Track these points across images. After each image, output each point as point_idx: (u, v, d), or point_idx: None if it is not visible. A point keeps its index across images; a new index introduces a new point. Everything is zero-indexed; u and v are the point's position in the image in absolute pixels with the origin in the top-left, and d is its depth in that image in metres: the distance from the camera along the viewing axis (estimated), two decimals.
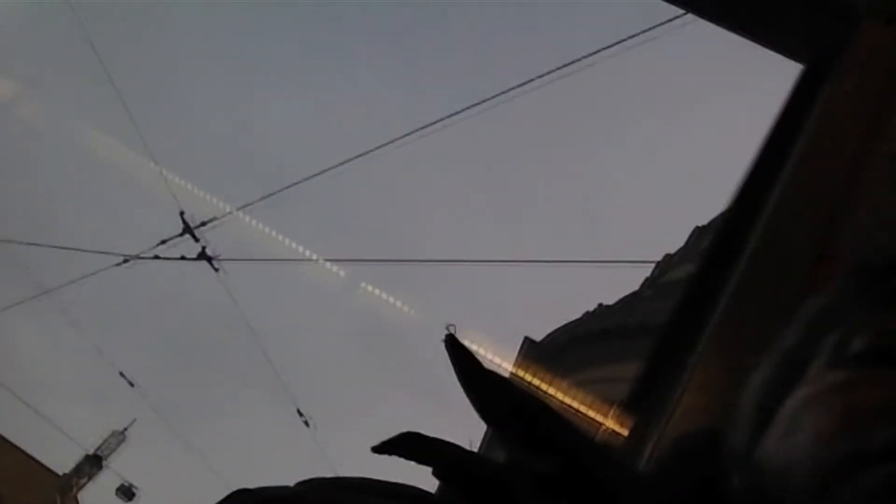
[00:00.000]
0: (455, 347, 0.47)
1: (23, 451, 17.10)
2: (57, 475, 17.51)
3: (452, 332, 0.46)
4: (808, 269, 1.09)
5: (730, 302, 1.12)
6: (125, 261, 9.64)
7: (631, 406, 1.19)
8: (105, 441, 17.87)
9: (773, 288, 1.10)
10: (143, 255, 9.58)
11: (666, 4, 1.54)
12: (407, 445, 0.44)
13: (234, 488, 0.43)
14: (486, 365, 0.47)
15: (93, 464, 17.69)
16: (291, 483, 0.48)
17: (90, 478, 17.71)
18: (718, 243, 1.30)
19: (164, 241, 9.44)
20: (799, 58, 1.44)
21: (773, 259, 1.14)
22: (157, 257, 9.54)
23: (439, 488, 0.45)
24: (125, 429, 18.11)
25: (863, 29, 1.33)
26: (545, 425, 0.46)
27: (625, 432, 1.15)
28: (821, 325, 0.51)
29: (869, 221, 1.13)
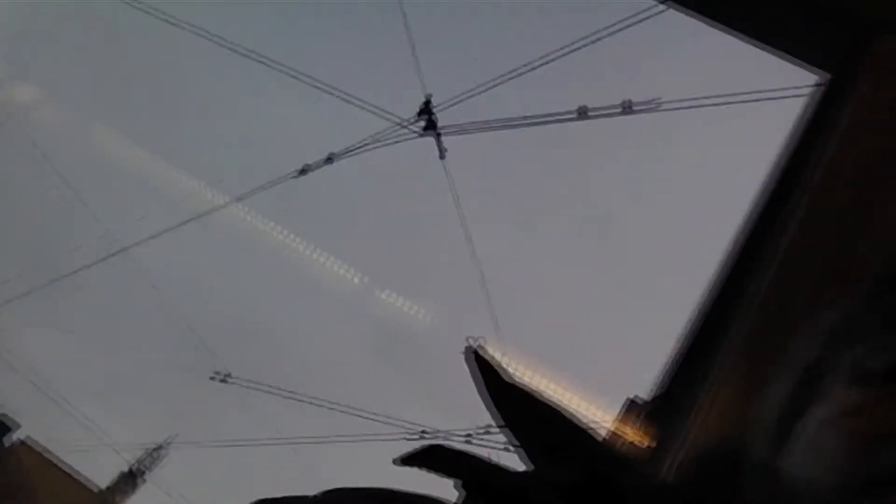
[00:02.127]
0: (478, 358, 0.47)
1: (62, 466, 17.27)
2: (95, 491, 17.64)
3: (473, 344, 0.47)
4: (831, 281, 1.09)
5: (752, 314, 1.12)
6: None
7: (653, 416, 1.18)
8: (145, 456, 17.94)
9: (795, 300, 1.09)
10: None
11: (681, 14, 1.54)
12: (432, 458, 0.45)
13: None
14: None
15: (130, 480, 17.76)
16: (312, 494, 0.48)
17: (129, 494, 17.79)
18: (741, 256, 1.30)
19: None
20: (819, 70, 1.44)
21: (795, 270, 1.14)
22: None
23: (461, 499, 0.45)
24: (162, 444, 18.18)
25: (881, 41, 1.32)
26: (568, 436, 0.46)
27: (646, 443, 1.15)
28: (837, 339, 0.52)
29: (890, 233, 1.12)
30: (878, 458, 0.42)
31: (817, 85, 1.43)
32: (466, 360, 0.48)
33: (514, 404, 0.47)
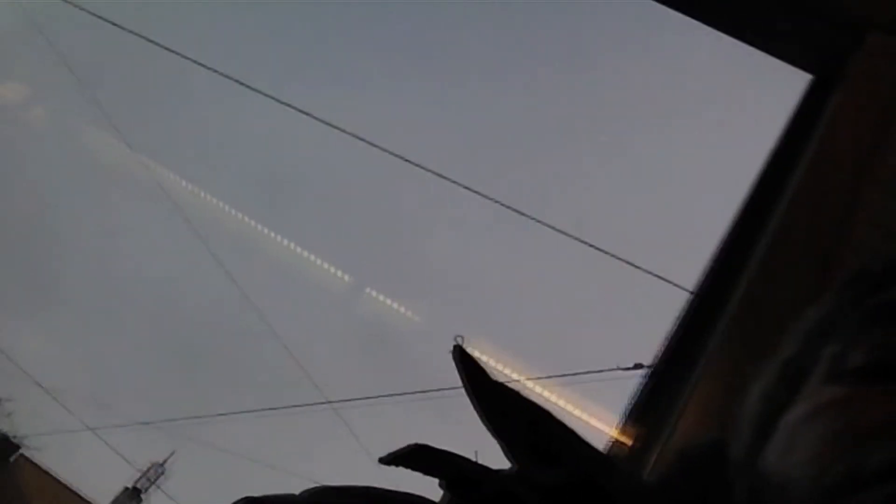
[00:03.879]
0: (463, 357, 0.47)
1: (63, 483, 17.24)
2: None
3: (460, 342, 0.47)
4: (814, 280, 1.09)
5: (735, 311, 1.13)
6: None
7: (635, 415, 1.19)
8: (144, 473, 17.88)
9: (778, 298, 1.10)
10: None
11: (670, 11, 1.54)
12: (416, 458, 0.44)
13: None
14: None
15: (132, 497, 17.73)
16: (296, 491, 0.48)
17: None
18: (725, 252, 1.30)
19: None
20: (805, 68, 1.45)
21: (778, 270, 1.15)
22: None
23: (444, 498, 0.45)
24: (164, 461, 18.10)
25: (869, 40, 1.33)
26: (552, 436, 0.46)
27: (629, 442, 1.15)
28: (819, 335, 0.52)
29: (874, 232, 1.13)
30: (854, 457, 0.42)
31: (810, 83, 1.43)
32: (453, 358, 0.48)
33: (496, 403, 0.47)
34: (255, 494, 0.47)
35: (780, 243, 1.17)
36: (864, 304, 0.50)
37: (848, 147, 1.23)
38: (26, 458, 17.20)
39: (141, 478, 17.89)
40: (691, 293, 1.27)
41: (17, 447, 17.07)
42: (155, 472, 18.00)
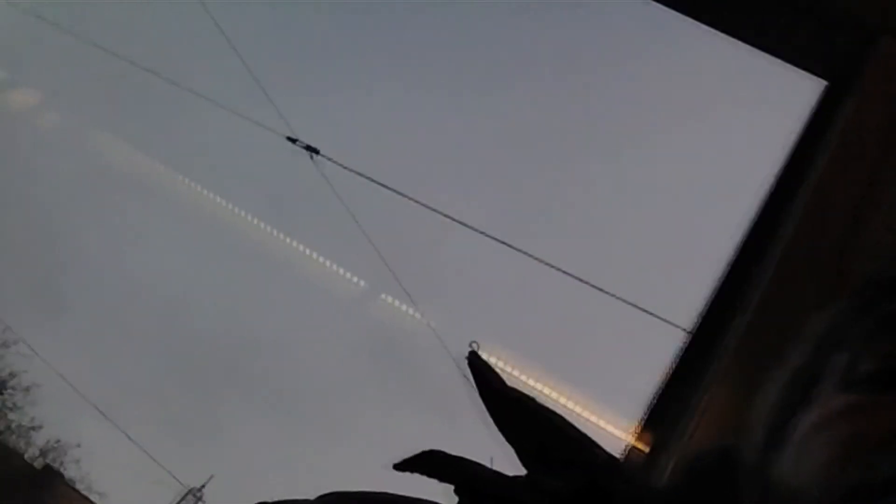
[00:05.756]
0: (477, 364, 0.47)
1: None
2: None
3: (475, 348, 0.47)
4: (828, 286, 1.09)
5: (749, 319, 1.12)
6: None
7: (648, 423, 1.19)
8: (182, 499, 17.81)
9: (792, 305, 1.10)
10: None
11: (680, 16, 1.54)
12: (429, 463, 0.45)
13: None
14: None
15: None
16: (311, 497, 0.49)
17: None
18: (738, 259, 1.30)
19: None
20: (818, 74, 1.44)
21: (792, 276, 1.14)
22: None
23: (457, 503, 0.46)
24: (202, 486, 18.04)
25: (883, 45, 1.32)
26: (562, 442, 0.47)
27: (642, 449, 1.15)
28: (831, 342, 0.52)
29: (889, 239, 1.12)
30: (865, 465, 0.42)
31: (824, 89, 1.43)
32: (468, 364, 0.48)
33: (508, 409, 0.48)
34: (271, 499, 0.47)
35: (794, 249, 1.17)
36: (876, 311, 0.50)
37: (861, 153, 1.23)
38: (67, 484, 17.39)
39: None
40: (704, 300, 1.27)
41: (61, 475, 17.24)
42: (192, 498, 17.96)
